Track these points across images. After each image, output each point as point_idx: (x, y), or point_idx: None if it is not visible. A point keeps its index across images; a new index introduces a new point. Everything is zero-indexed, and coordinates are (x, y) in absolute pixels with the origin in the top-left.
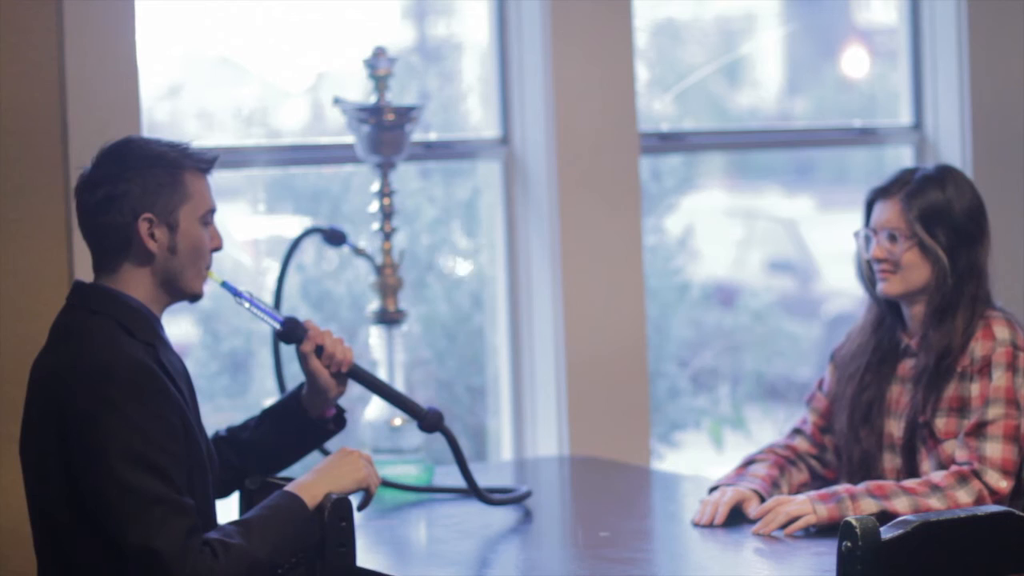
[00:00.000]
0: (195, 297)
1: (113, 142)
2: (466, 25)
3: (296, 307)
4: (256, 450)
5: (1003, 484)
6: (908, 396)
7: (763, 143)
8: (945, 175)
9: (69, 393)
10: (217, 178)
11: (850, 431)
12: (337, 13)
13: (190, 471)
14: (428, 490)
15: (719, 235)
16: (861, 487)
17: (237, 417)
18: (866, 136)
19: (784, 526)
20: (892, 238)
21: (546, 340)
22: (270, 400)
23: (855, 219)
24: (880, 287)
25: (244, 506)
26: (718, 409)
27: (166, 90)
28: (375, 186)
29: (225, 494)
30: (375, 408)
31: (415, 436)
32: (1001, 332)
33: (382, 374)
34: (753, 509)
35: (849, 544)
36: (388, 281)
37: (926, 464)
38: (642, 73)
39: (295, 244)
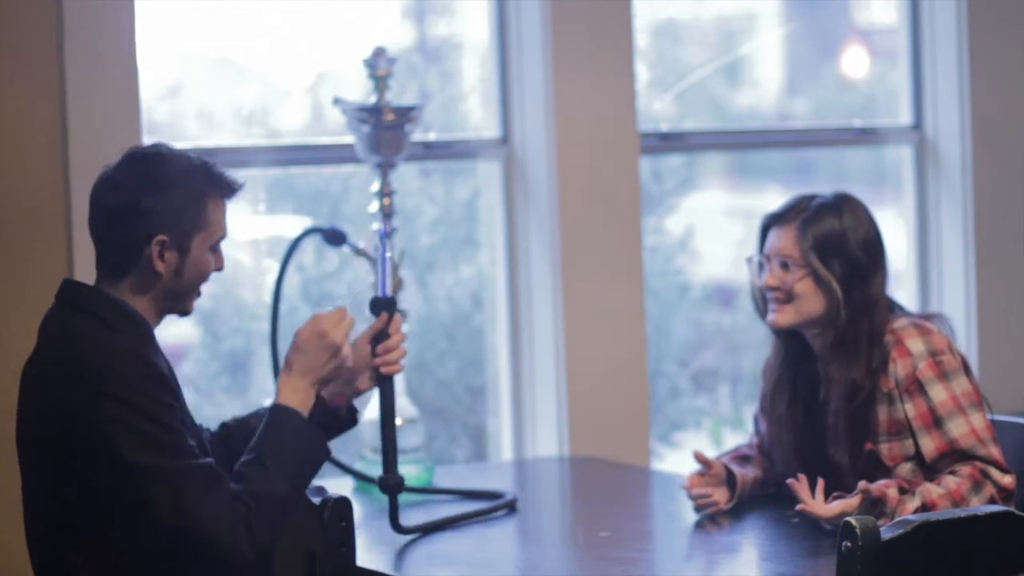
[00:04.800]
0: (185, 314)
1: (143, 148)
2: (466, 25)
3: (296, 307)
4: None
5: (1007, 479)
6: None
7: (763, 143)
8: (843, 204)
9: (65, 398)
10: None
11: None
12: (337, 13)
13: None
14: (426, 491)
15: (719, 235)
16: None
17: None
18: (866, 136)
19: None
20: (785, 266)
21: (546, 340)
22: (270, 400)
23: None
24: (770, 317)
25: None
26: (718, 409)
27: (166, 90)
28: (375, 186)
29: None
30: (376, 407)
31: (416, 435)
32: (915, 345)
33: None
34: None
35: (849, 544)
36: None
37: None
38: (642, 73)
39: (295, 244)
